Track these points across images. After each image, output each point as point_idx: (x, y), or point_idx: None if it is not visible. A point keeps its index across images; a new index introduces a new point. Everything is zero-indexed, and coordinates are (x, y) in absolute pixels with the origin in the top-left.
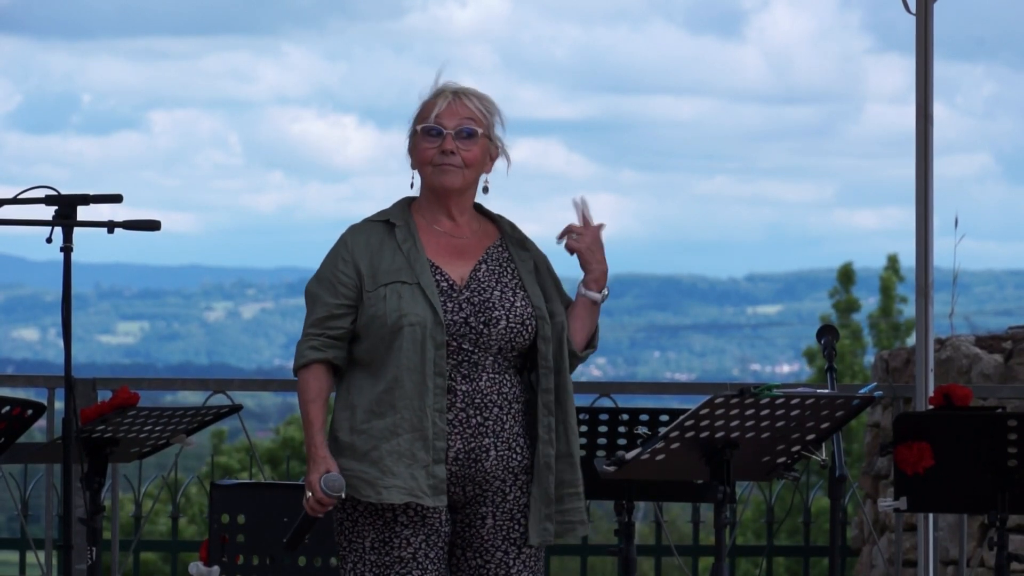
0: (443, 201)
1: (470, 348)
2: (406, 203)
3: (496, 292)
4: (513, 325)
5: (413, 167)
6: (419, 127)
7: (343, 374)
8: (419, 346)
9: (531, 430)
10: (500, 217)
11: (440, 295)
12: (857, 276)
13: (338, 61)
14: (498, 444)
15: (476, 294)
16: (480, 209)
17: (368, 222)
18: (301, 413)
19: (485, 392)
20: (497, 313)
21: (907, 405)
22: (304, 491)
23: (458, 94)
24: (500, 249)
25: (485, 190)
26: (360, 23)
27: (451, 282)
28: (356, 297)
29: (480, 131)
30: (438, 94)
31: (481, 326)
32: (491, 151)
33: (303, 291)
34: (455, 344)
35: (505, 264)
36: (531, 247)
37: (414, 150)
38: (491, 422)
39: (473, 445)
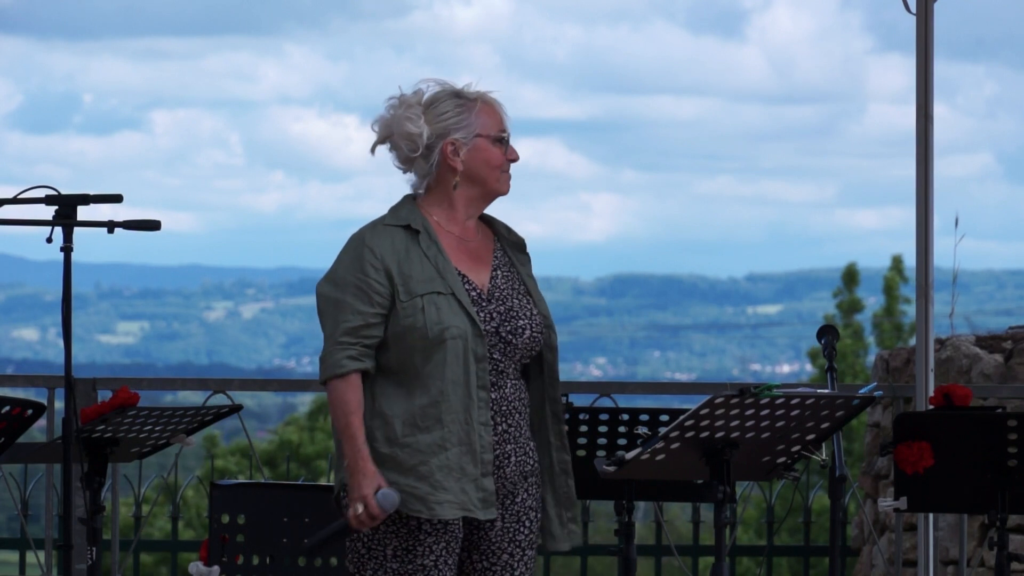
0: (481, 205)
1: (499, 357)
2: (412, 203)
3: (515, 300)
4: (535, 334)
5: (456, 168)
6: (503, 134)
7: (370, 384)
8: (461, 359)
9: (534, 434)
10: (493, 219)
11: (472, 304)
12: (859, 276)
13: (340, 61)
14: (517, 450)
15: (500, 303)
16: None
17: (385, 226)
18: (340, 424)
19: (509, 399)
20: (522, 322)
21: (907, 405)
22: (353, 503)
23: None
24: (501, 254)
25: None
26: (362, 23)
27: (479, 291)
28: (390, 306)
29: None
30: (488, 101)
31: (509, 335)
32: None
33: (303, 291)
34: (487, 354)
35: (511, 269)
36: (526, 251)
37: (482, 155)
38: (512, 429)
39: (498, 452)
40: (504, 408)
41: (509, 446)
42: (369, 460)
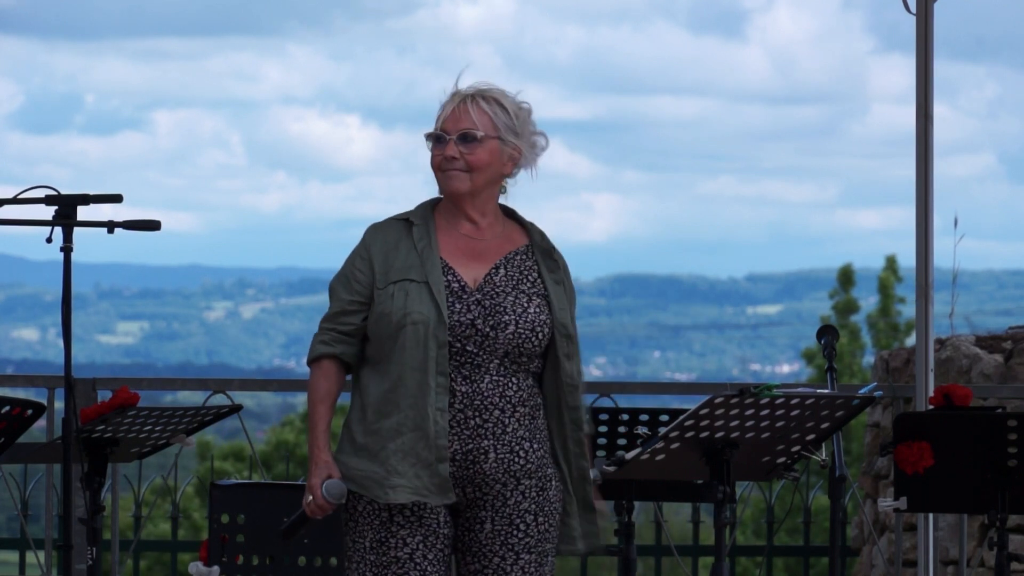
0: (457, 204)
1: (474, 350)
2: (431, 204)
3: (510, 297)
4: (522, 331)
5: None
6: (433, 131)
7: (356, 373)
8: (422, 344)
9: (536, 434)
10: (532, 225)
11: (449, 295)
12: (857, 277)
13: (342, 61)
14: (498, 446)
15: (488, 297)
16: (512, 214)
17: (390, 220)
18: (308, 411)
19: (486, 394)
20: (507, 318)
21: (907, 405)
22: (305, 492)
23: (472, 98)
24: (524, 256)
25: (502, 190)
26: (364, 22)
27: (462, 283)
28: (369, 294)
29: (482, 134)
30: (452, 98)
31: (488, 329)
32: (507, 153)
33: (303, 291)
34: (459, 345)
35: (527, 271)
36: (559, 259)
37: (431, 156)
38: (491, 424)
39: (471, 447)
40: (478, 403)
41: (486, 442)
42: (324, 450)
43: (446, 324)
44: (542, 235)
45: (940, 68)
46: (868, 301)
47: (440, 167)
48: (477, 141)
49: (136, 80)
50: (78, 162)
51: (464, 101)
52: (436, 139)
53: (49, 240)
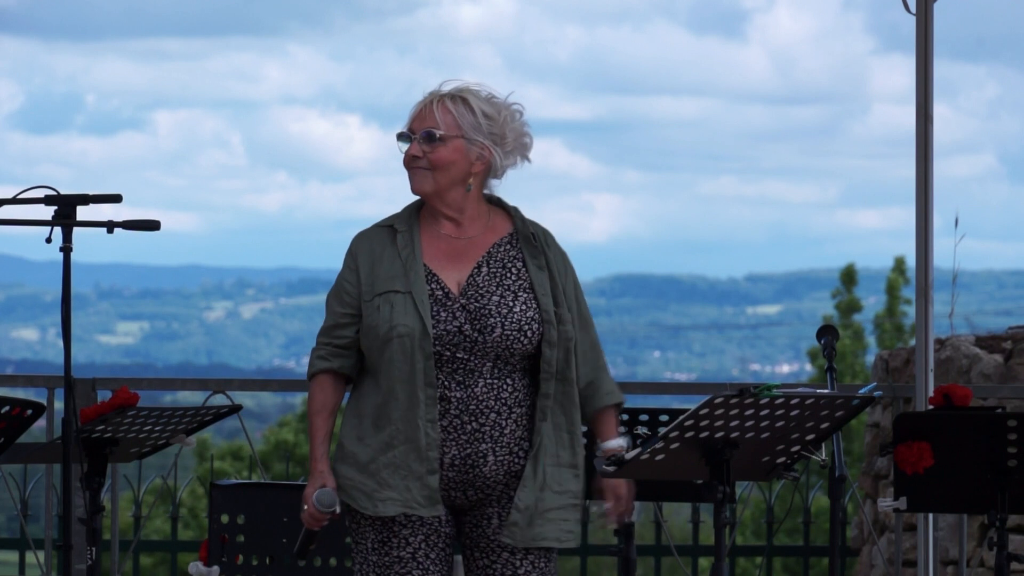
0: (431, 204)
1: (465, 356)
2: (416, 206)
3: (495, 297)
4: (509, 332)
5: None
6: (401, 131)
7: (356, 382)
8: (409, 357)
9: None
10: (515, 210)
11: (434, 304)
12: (859, 276)
13: (343, 61)
14: (497, 449)
15: (472, 301)
16: (499, 203)
17: (375, 228)
18: (308, 424)
19: (481, 398)
20: (492, 320)
21: (907, 405)
22: (302, 503)
23: (441, 98)
24: (508, 246)
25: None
26: (365, 22)
27: (446, 290)
28: (359, 306)
29: (442, 133)
30: (424, 98)
31: (476, 334)
32: (475, 152)
33: (303, 291)
34: (449, 353)
35: (510, 264)
36: (542, 243)
37: None
38: (488, 427)
39: (469, 451)
40: (473, 407)
41: (484, 445)
42: (321, 461)
43: (431, 336)
44: (523, 220)
45: (940, 68)
46: (869, 301)
47: (408, 166)
48: (439, 140)
49: (136, 80)
50: (78, 162)
51: (432, 101)
52: (403, 139)
53: (49, 240)
